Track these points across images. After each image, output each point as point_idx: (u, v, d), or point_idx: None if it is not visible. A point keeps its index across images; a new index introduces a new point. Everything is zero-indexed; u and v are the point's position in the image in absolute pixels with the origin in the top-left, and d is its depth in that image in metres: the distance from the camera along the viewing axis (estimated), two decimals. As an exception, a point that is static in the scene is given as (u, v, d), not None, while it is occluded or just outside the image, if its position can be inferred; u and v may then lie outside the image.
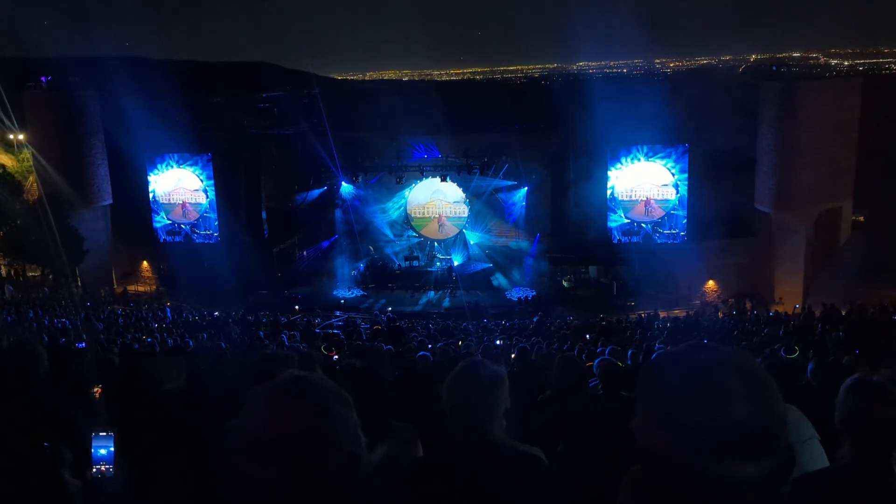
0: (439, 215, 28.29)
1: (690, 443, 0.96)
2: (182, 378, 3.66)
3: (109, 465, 1.96)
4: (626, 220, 25.53)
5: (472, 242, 27.96)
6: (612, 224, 25.57)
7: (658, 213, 25.31)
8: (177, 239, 27.65)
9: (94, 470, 2.23)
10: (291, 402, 1.24)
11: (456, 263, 27.37)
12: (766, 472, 0.96)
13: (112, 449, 2.01)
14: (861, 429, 2.01)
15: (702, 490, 0.97)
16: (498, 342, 12.80)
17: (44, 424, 2.86)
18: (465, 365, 2.24)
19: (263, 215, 27.58)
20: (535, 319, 20.07)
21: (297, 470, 1.19)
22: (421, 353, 7.42)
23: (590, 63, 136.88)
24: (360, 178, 27.65)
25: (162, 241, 27.68)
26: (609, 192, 25.37)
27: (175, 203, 27.51)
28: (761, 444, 0.96)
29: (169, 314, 19.97)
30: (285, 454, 1.18)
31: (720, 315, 20.81)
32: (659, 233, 25.46)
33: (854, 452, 2.01)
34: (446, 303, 25.20)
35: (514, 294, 25.78)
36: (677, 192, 24.98)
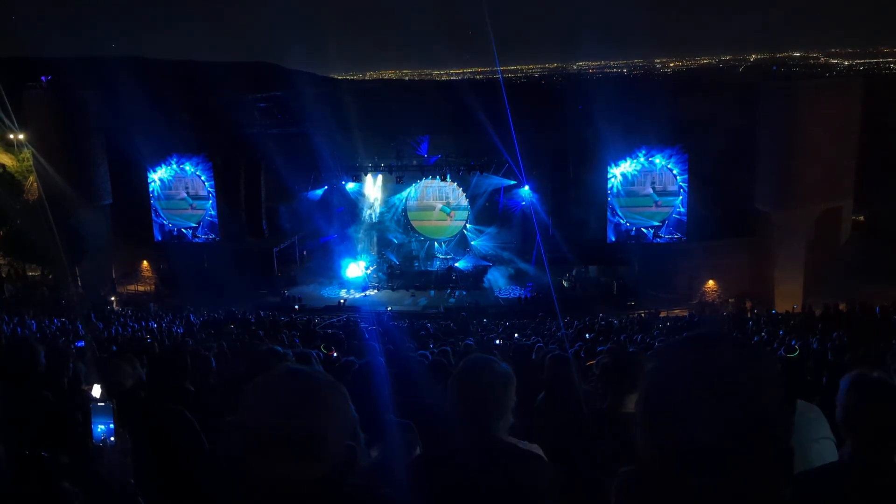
0: (439, 215, 28.29)
1: (688, 437, 0.96)
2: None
3: (110, 435, 1.92)
4: (626, 220, 25.53)
5: (472, 242, 27.96)
6: (611, 224, 25.57)
7: (658, 212, 25.32)
8: (177, 239, 27.65)
9: (95, 440, 2.17)
10: (288, 394, 1.23)
11: (456, 263, 27.37)
12: (762, 466, 0.96)
13: (111, 424, 1.97)
14: (862, 426, 2.01)
15: (699, 485, 0.96)
16: (497, 342, 12.77)
17: (41, 422, 2.85)
18: (477, 363, 2.17)
19: (263, 215, 27.57)
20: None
21: (295, 463, 1.18)
22: (420, 352, 7.43)
23: (590, 63, 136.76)
24: (360, 178, 27.68)
25: (162, 240, 27.66)
26: (609, 191, 25.37)
27: (175, 203, 27.50)
28: (758, 438, 0.96)
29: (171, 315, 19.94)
30: (283, 447, 1.17)
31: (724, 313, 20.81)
32: (660, 236, 25.46)
33: (855, 449, 2.01)
34: (446, 302, 25.20)
35: (514, 294, 25.77)
36: (677, 193, 24.98)
